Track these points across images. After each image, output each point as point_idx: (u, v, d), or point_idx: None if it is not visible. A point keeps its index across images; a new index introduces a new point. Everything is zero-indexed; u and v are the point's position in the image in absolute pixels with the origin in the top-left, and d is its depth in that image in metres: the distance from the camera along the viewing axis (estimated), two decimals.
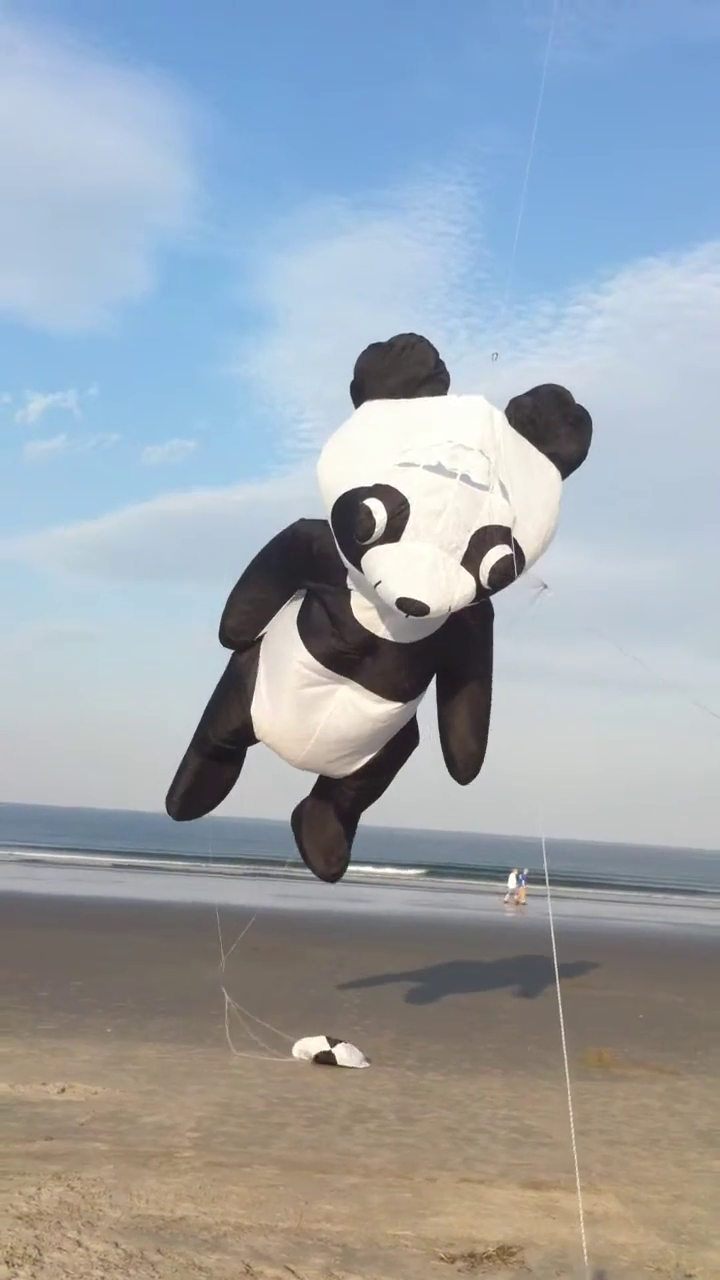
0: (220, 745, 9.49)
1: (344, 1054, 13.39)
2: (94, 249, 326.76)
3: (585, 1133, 10.76)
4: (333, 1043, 13.53)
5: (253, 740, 9.29)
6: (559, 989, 7.23)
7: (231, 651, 9.12)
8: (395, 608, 6.82)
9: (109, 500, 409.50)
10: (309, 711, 8.36)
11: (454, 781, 8.72)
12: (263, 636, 8.87)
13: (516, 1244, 7.51)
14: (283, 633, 8.46)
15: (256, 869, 57.77)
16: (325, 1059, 13.26)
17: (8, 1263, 6.63)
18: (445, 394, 7.21)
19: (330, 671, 8.09)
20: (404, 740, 8.97)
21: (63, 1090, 11.13)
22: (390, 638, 7.77)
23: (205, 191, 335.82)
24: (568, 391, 7.40)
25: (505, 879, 50.93)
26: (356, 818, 9.95)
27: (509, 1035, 15.80)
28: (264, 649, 8.78)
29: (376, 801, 9.74)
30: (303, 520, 8.30)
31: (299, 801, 10.35)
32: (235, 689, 8.98)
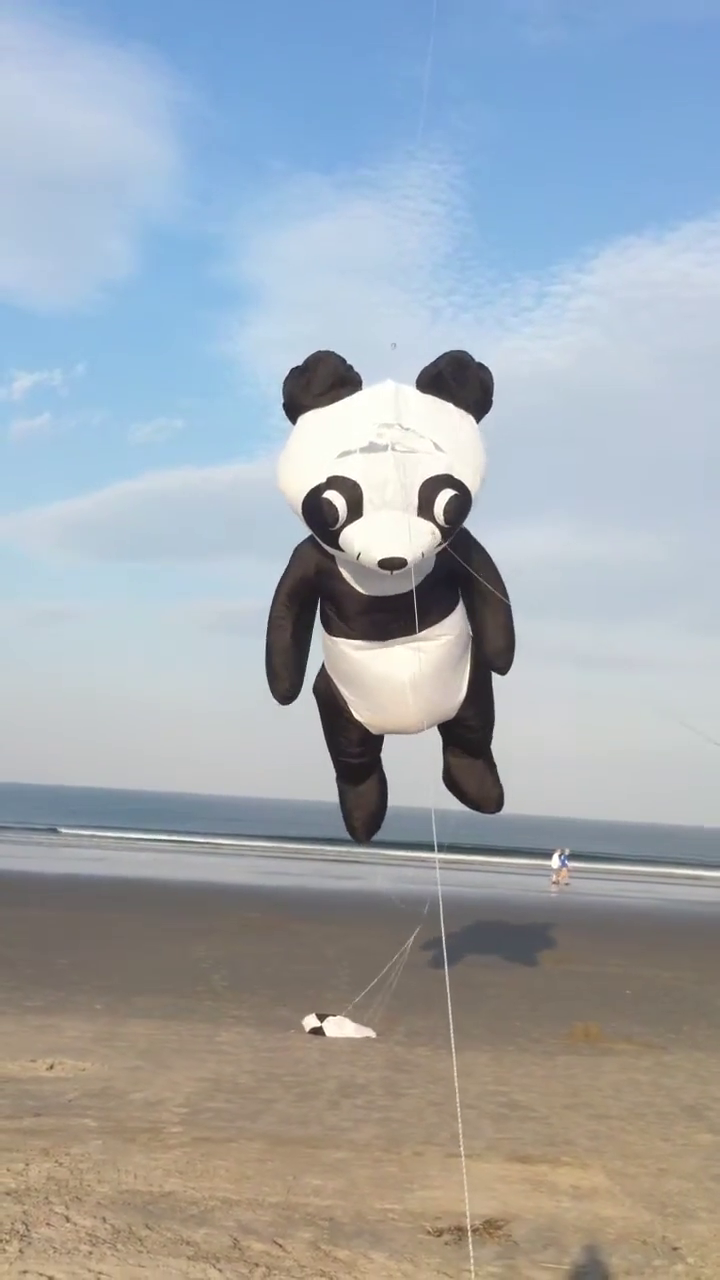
0: (356, 762, 10.46)
1: (332, 1028, 13.62)
2: (79, 227, 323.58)
3: (572, 1107, 10.82)
4: (321, 1018, 13.74)
5: (376, 740, 10.25)
6: (447, 966, 7.22)
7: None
8: (379, 569, 7.97)
9: (95, 478, 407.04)
10: (388, 681, 9.31)
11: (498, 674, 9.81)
12: (324, 670, 9.84)
13: (503, 1217, 7.54)
14: (329, 649, 9.52)
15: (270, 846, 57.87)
16: (317, 1033, 13.53)
17: None
18: (360, 390, 8.45)
19: (373, 642, 9.12)
20: (479, 653, 9.83)
21: (51, 1067, 11.14)
22: (396, 592, 8.71)
23: (189, 169, 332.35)
24: (466, 353, 8.71)
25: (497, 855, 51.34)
26: (489, 746, 10.87)
27: (496, 1011, 15.87)
28: (329, 671, 9.76)
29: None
30: (290, 559, 9.35)
31: (443, 768, 11.12)
32: (335, 713, 9.92)
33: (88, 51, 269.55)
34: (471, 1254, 6.54)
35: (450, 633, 9.35)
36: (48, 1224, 6.93)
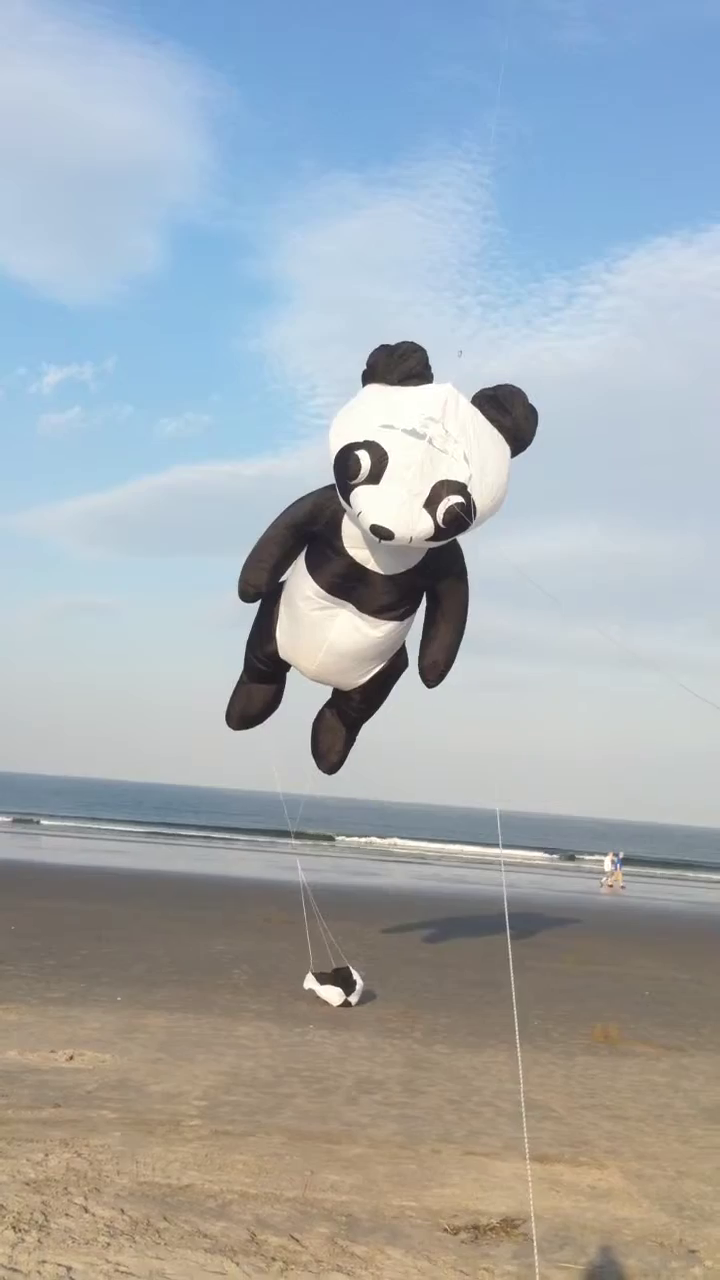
0: (260, 668, 11.64)
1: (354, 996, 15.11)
2: (110, 223, 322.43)
3: (590, 1108, 10.81)
4: (348, 990, 15.04)
5: (284, 663, 11.32)
6: (512, 964, 7.23)
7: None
8: (370, 532, 8.71)
9: (123, 473, 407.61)
10: (317, 630, 10.31)
11: (423, 686, 10.65)
12: (283, 583, 10.69)
13: (520, 1216, 7.54)
14: (297, 573, 10.39)
15: (271, 841, 58.08)
16: (345, 1006, 14.85)
17: (14, 1228, 6.69)
18: (427, 384, 9.12)
19: (332, 597, 10.01)
20: (396, 663, 10.93)
21: (71, 1058, 11.21)
22: (376, 569, 9.63)
23: (220, 166, 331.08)
24: (523, 393, 9.32)
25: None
26: (359, 727, 11.94)
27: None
28: (284, 590, 10.68)
29: (375, 717, 11.74)
30: (311, 492, 10.22)
31: (317, 714, 12.21)
32: (264, 620, 11.06)
33: (121, 49, 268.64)
34: (537, 1254, 6.55)
35: (387, 632, 10.25)
36: (66, 1215, 6.98)
